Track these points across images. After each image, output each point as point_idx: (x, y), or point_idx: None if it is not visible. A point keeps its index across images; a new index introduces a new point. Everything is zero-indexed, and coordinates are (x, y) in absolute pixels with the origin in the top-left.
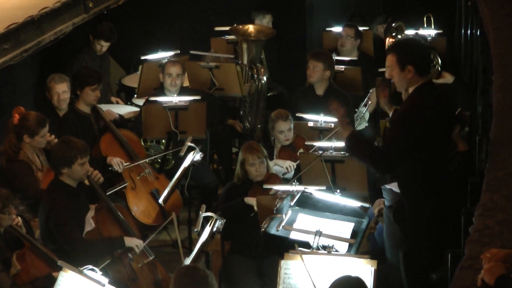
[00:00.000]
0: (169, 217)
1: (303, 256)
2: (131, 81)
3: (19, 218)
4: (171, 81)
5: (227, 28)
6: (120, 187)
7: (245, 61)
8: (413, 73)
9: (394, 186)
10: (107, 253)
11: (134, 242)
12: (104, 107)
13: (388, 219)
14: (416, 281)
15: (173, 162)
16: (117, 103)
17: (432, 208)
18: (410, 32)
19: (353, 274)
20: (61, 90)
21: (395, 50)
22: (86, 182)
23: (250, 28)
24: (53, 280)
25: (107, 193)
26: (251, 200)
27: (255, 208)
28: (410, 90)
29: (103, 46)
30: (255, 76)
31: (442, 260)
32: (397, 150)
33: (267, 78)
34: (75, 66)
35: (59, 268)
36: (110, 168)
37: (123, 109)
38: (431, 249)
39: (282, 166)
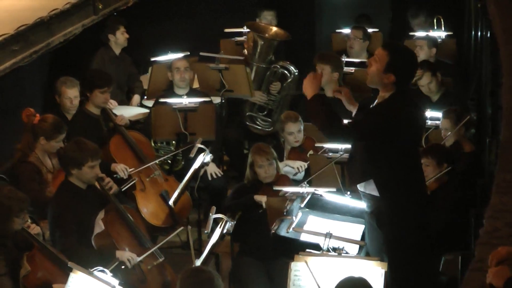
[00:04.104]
0: (178, 219)
1: (310, 258)
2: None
3: (35, 225)
4: (180, 76)
5: (236, 30)
6: (130, 184)
7: (256, 57)
8: (390, 81)
9: (373, 191)
10: (97, 265)
11: (126, 255)
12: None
13: (370, 225)
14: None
15: (182, 163)
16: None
17: (413, 210)
18: (420, 34)
19: (359, 275)
20: (73, 95)
21: (391, 51)
22: (97, 184)
23: (269, 27)
24: None
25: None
26: (261, 198)
27: (264, 205)
28: (386, 95)
29: (124, 32)
30: (287, 74)
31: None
32: (363, 132)
33: (295, 76)
34: (93, 66)
35: (69, 269)
36: (115, 176)
37: (133, 111)
38: (416, 252)
39: (293, 166)
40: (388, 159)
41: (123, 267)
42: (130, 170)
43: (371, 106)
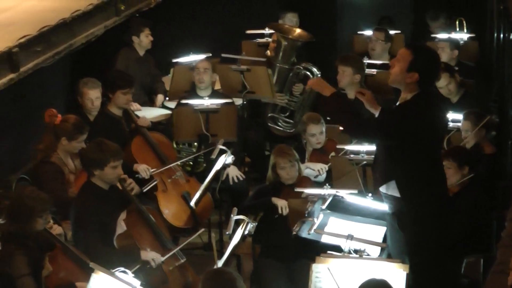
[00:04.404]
0: (200, 220)
1: (332, 260)
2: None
3: (57, 225)
4: (199, 77)
5: (258, 31)
6: (151, 185)
7: (280, 59)
8: (413, 80)
9: (395, 192)
10: (121, 265)
11: (150, 256)
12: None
13: (392, 227)
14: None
15: (204, 165)
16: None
17: (434, 212)
18: (442, 36)
19: (380, 277)
20: (95, 96)
21: (414, 50)
22: (119, 185)
23: (293, 28)
24: None
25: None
26: (278, 201)
27: (279, 210)
28: (408, 96)
29: (149, 35)
30: (310, 75)
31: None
32: (386, 132)
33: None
34: (116, 67)
35: (91, 270)
36: (136, 176)
37: (154, 112)
38: (438, 254)
39: (314, 168)
40: (410, 160)
41: (148, 266)
42: (152, 170)
43: (394, 106)
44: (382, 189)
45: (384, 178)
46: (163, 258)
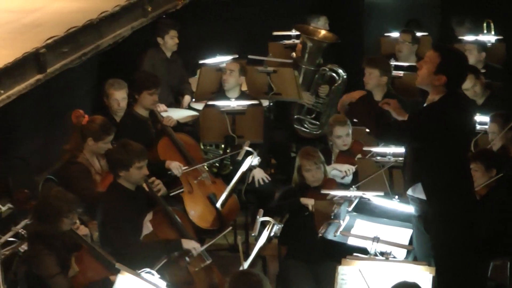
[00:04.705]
0: (226, 221)
1: (358, 262)
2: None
3: (83, 226)
4: (224, 78)
5: (285, 33)
6: (178, 191)
7: (305, 60)
8: (441, 83)
9: (421, 195)
10: (163, 255)
11: (191, 245)
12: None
13: (418, 229)
14: None
15: (231, 168)
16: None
17: (459, 214)
18: (469, 38)
19: (411, 280)
20: (120, 97)
21: (442, 53)
22: (144, 186)
23: (318, 30)
24: (111, 284)
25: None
26: (307, 201)
27: (310, 208)
28: (436, 98)
29: (174, 37)
30: (336, 77)
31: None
32: (413, 134)
33: (343, 79)
34: (143, 68)
35: (117, 271)
36: (169, 172)
37: (181, 113)
38: (463, 258)
39: (341, 169)
40: (436, 163)
41: (190, 254)
42: (184, 168)
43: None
44: (409, 191)
45: (411, 181)
46: (202, 248)
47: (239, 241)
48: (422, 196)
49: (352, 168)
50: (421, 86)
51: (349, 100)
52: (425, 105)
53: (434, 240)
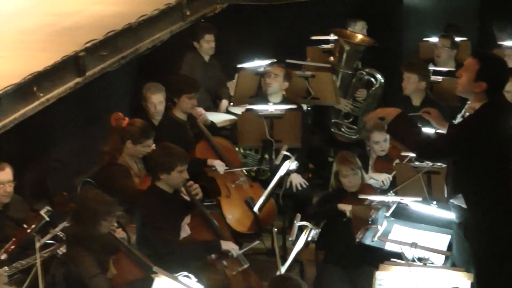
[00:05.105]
0: (263, 225)
1: (397, 268)
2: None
3: (121, 229)
4: (267, 81)
5: (323, 37)
6: (211, 203)
7: (343, 64)
8: (482, 89)
9: (462, 203)
10: (203, 256)
11: (230, 246)
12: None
13: (458, 236)
14: None
15: (269, 174)
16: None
17: (499, 223)
18: (509, 43)
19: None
20: (158, 100)
21: (481, 59)
22: (183, 190)
23: (355, 34)
24: (150, 282)
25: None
26: (345, 207)
27: (348, 214)
28: (477, 105)
29: (210, 41)
30: (373, 81)
31: None
32: (450, 148)
33: (381, 83)
34: (181, 72)
35: (154, 274)
36: (213, 168)
37: (219, 117)
38: (503, 266)
39: (378, 179)
40: (478, 173)
41: (230, 254)
42: (226, 168)
43: (462, 119)
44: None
45: (453, 191)
46: (240, 251)
47: (275, 245)
48: (463, 204)
49: (389, 178)
50: (461, 94)
51: (381, 115)
52: (465, 113)
53: (474, 248)
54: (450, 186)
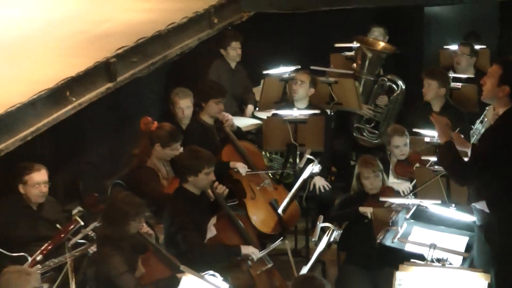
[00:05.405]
0: (287, 227)
1: (416, 268)
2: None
3: (149, 228)
4: (294, 88)
5: (346, 45)
6: (232, 203)
7: (365, 70)
8: (505, 94)
9: (484, 206)
10: (223, 260)
11: (250, 250)
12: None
13: (479, 239)
14: None
15: (293, 177)
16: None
17: None
18: None
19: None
20: (185, 105)
21: (503, 65)
22: (210, 192)
23: (377, 41)
24: (177, 281)
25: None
26: (365, 209)
27: (369, 216)
28: (500, 111)
29: (236, 48)
30: (395, 87)
31: None
32: (479, 166)
33: (402, 90)
34: (209, 77)
35: (182, 273)
36: (235, 170)
37: (245, 122)
38: None
39: (397, 189)
40: (501, 178)
41: (250, 258)
42: (248, 170)
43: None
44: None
45: (476, 196)
46: (260, 254)
47: (287, 246)
48: (485, 208)
49: (409, 188)
50: (486, 100)
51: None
52: (483, 119)
53: (495, 250)
54: (473, 190)
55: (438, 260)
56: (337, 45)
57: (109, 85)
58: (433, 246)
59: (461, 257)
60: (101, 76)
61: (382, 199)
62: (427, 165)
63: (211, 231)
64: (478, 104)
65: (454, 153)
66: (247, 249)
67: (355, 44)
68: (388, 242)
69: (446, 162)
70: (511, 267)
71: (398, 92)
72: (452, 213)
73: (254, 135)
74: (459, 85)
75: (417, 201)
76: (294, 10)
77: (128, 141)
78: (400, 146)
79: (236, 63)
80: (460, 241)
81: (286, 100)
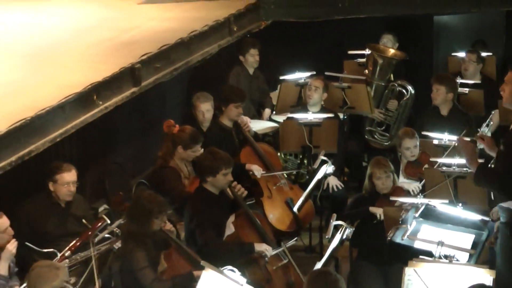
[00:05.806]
0: (302, 224)
1: (424, 264)
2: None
3: (171, 225)
4: (309, 93)
5: (359, 52)
6: (249, 202)
7: (376, 76)
8: None
9: (510, 205)
10: (237, 256)
11: (263, 247)
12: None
13: (504, 235)
14: None
15: (307, 177)
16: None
17: None
18: None
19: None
20: (205, 109)
21: None
22: (228, 191)
23: (388, 48)
24: (193, 277)
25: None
26: (375, 210)
27: (378, 217)
28: None
29: (254, 55)
30: (404, 92)
31: None
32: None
33: (412, 94)
34: (229, 83)
35: (202, 268)
36: (250, 172)
37: (262, 125)
38: None
39: (408, 188)
40: None
41: (263, 254)
42: (262, 172)
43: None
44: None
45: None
46: (273, 252)
47: (284, 246)
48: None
49: (419, 187)
50: (508, 106)
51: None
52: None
53: None
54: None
55: (446, 257)
56: (350, 52)
57: (134, 89)
58: (440, 243)
59: (468, 254)
60: (126, 81)
61: (393, 198)
62: (435, 166)
63: (230, 228)
64: (484, 108)
65: (489, 174)
66: (260, 247)
67: (367, 51)
68: (398, 239)
69: (486, 184)
70: None
71: (407, 96)
72: (459, 212)
73: (271, 137)
74: (466, 90)
75: (425, 201)
76: (310, 19)
77: (152, 142)
78: (411, 148)
79: (254, 69)
80: (466, 239)
81: (302, 104)
